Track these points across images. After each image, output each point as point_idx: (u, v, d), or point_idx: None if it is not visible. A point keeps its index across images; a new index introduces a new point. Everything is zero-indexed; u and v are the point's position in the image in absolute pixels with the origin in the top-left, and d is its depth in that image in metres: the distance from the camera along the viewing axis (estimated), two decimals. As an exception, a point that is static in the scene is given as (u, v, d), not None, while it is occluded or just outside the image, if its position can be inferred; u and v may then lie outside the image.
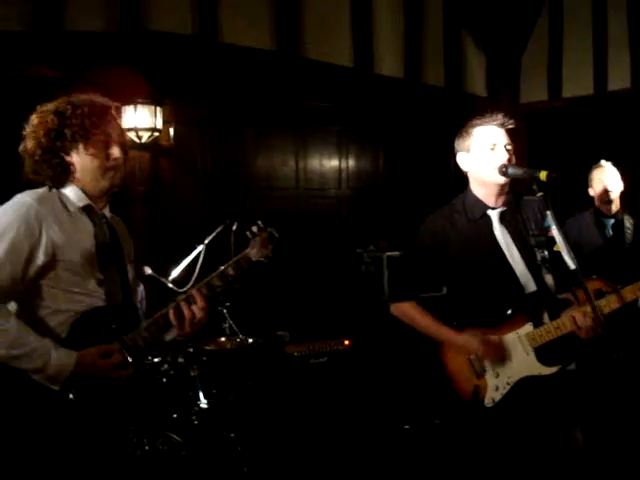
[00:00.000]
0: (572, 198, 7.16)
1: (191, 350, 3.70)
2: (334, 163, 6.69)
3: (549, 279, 2.65)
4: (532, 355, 2.69)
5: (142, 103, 5.20)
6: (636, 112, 6.69)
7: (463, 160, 2.86)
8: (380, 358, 5.22)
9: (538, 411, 2.71)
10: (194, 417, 3.57)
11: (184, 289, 3.74)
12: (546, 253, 2.60)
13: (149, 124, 5.22)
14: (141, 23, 5.20)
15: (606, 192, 4.59)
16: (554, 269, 2.62)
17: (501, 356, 2.71)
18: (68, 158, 2.24)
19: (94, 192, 2.28)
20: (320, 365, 5.08)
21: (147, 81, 5.24)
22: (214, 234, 4.23)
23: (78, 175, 2.26)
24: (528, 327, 2.70)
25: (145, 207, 5.41)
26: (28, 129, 2.27)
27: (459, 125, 2.96)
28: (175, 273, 3.95)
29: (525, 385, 2.70)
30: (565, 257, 2.42)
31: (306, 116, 6.37)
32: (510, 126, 2.80)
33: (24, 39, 4.80)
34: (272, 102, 6.10)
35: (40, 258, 2.14)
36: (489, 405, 2.71)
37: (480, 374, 2.75)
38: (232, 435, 3.66)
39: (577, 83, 6.84)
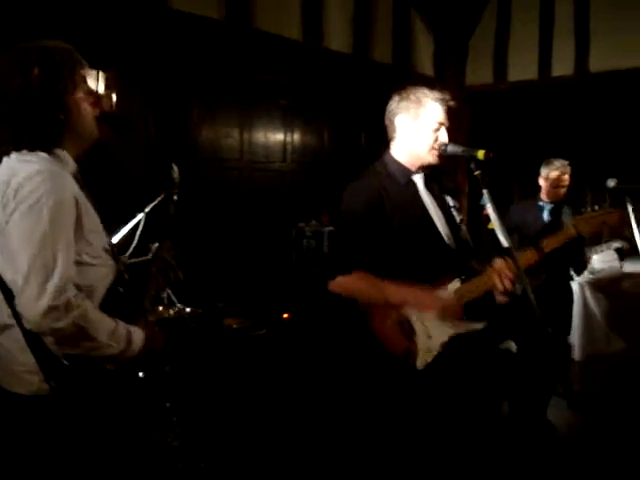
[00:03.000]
0: (512, 179, 7.33)
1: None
2: (279, 136, 6.68)
3: (468, 239, 2.77)
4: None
5: (85, 67, 5.09)
6: (577, 98, 6.84)
7: (405, 124, 2.86)
8: (318, 331, 5.26)
9: (468, 376, 2.78)
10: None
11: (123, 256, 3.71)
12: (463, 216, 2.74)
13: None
14: (87, -16, 5.08)
15: (555, 185, 4.88)
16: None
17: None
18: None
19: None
20: (258, 337, 5.10)
21: (90, 45, 5.12)
22: (155, 203, 4.18)
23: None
24: (456, 283, 2.77)
25: (85, 172, 5.31)
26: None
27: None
28: (114, 241, 3.91)
29: (455, 346, 2.72)
30: (499, 235, 2.49)
31: (252, 88, 6.33)
32: (451, 106, 2.86)
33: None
34: (218, 72, 6.04)
35: (81, 225, 1.99)
36: (421, 367, 2.68)
37: (410, 336, 2.72)
38: (167, 405, 3.65)
39: (522, 67, 6.95)
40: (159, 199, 4.26)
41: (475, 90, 7.28)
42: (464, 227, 2.80)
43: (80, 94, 2.06)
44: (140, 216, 4.04)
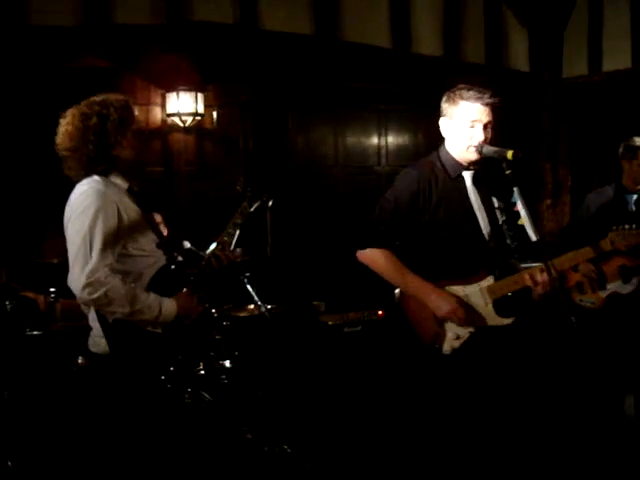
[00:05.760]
0: (613, 171, 7.20)
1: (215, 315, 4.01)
2: (373, 141, 6.94)
3: (509, 239, 2.92)
4: (490, 307, 2.95)
5: (184, 90, 5.57)
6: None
7: (444, 125, 3.11)
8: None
9: (496, 368, 2.98)
10: (223, 376, 3.87)
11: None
12: (506, 217, 2.88)
13: (191, 109, 5.60)
14: (184, 14, 5.52)
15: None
16: (513, 232, 2.87)
17: (464, 318, 2.92)
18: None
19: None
20: (353, 334, 5.30)
21: (190, 68, 5.60)
22: (251, 209, 4.57)
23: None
24: (489, 280, 2.96)
25: (189, 186, 5.81)
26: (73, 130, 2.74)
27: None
28: (213, 247, 4.30)
29: (482, 336, 2.95)
30: (528, 230, 2.67)
31: (345, 97, 6.63)
32: (495, 105, 3.02)
33: (76, 33, 5.20)
34: (311, 84, 6.37)
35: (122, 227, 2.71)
36: (447, 352, 2.93)
37: (441, 323, 2.96)
38: (259, 394, 3.96)
39: (616, 57, 6.84)
40: (255, 206, 4.66)
41: (571, 83, 7.23)
42: (506, 228, 2.96)
43: (129, 135, 2.80)
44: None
